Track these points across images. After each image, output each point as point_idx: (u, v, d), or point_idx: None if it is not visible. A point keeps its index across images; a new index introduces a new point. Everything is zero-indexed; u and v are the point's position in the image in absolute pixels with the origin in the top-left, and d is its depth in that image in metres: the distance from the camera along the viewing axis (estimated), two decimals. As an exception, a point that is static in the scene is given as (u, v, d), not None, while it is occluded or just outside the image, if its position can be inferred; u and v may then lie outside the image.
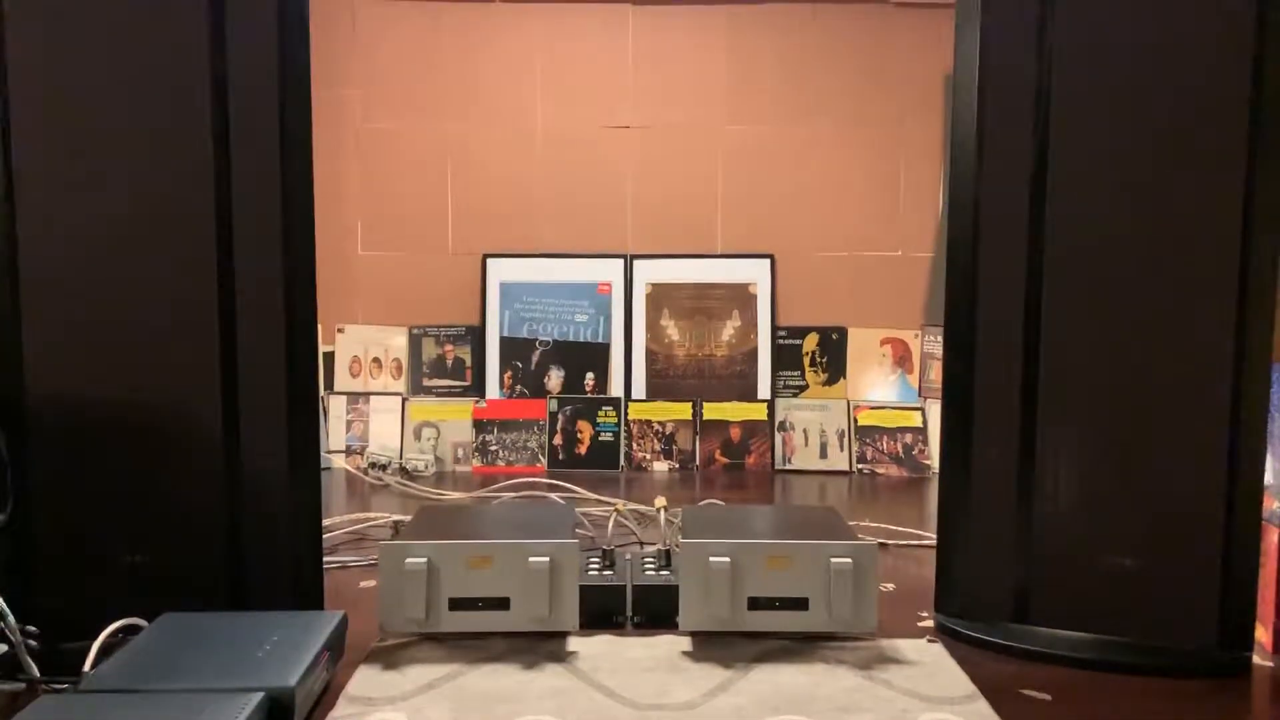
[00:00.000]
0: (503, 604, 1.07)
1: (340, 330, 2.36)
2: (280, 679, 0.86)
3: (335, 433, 2.29)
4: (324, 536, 1.22)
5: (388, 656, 1.06)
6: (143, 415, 1.07)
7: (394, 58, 2.38)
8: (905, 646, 1.10)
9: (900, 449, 2.25)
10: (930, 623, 1.19)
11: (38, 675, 0.95)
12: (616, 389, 2.34)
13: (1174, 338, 1.06)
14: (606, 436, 2.27)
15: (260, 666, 0.89)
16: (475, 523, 1.24)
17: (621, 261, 2.37)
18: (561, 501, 1.78)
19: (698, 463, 2.27)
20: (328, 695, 0.97)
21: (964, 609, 1.16)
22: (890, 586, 1.33)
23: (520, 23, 2.37)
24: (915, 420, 2.28)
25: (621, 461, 2.26)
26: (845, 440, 2.27)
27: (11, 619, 0.95)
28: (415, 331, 2.37)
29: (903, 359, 2.37)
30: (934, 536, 1.20)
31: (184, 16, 1.05)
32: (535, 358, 2.36)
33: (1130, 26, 1.06)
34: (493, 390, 2.35)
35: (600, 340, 2.36)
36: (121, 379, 1.07)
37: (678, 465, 2.26)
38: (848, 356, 2.38)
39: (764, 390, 2.35)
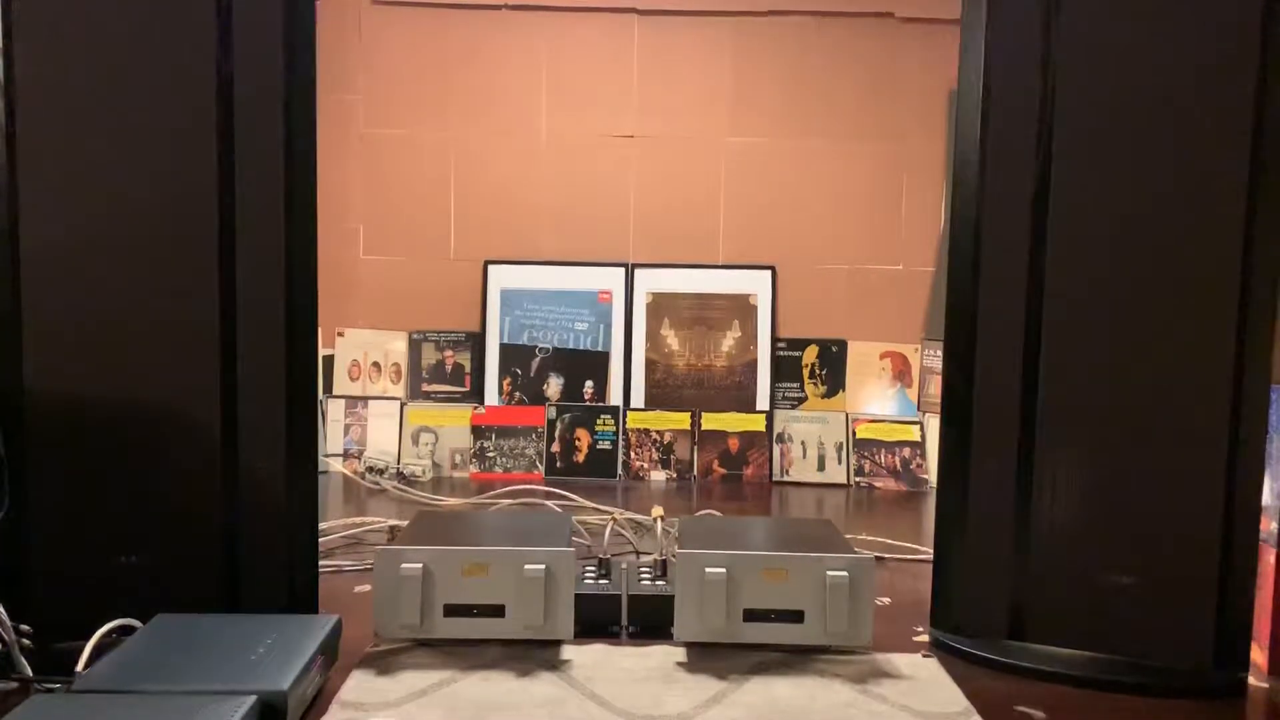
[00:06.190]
0: (498, 611, 1.07)
1: (340, 334, 2.36)
2: (273, 683, 0.86)
3: (333, 436, 2.28)
4: (320, 540, 1.22)
5: (381, 662, 1.06)
6: (141, 415, 1.07)
7: (398, 63, 2.38)
8: (900, 661, 1.10)
9: (898, 463, 2.25)
10: (926, 638, 1.18)
11: (30, 674, 0.95)
12: (615, 398, 2.34)
13: (1173, 357, 1.06)
14: (604, 445, 2.27)
15: (254, 670, 0.88)
16: (471, 529, 1.24)
17: (623, 270, 2.37)
18: (558, 509, 1.77)
19: (695, 473, 2.27)
20: (321, 700, 0.97)
21: (960, 625, 1.16)
22: (886, 600, 1.33)
23: (525, 30, 2.37)
24: (914, 434, 2.28)
25: (619, 470, 2.26)
26: (843, 453, 2.27)
27: (5, 617, 0.95)
28: (415, 336, 2.37)
29: (902, 373, 2.37)
30: (931, 551, 1.20)
31: (191, 21, 1.06)
32: (535, 365, 2.36)
33: (1135, 46, 1.06)
34: (491, 397, 2.34)
35: (600, 349, 2.36)
36: (121, 379, 1.07)
37: (675, 475, 2.26)
38: (847, 369, 2.38)
39: (763, 402, 2.35)
